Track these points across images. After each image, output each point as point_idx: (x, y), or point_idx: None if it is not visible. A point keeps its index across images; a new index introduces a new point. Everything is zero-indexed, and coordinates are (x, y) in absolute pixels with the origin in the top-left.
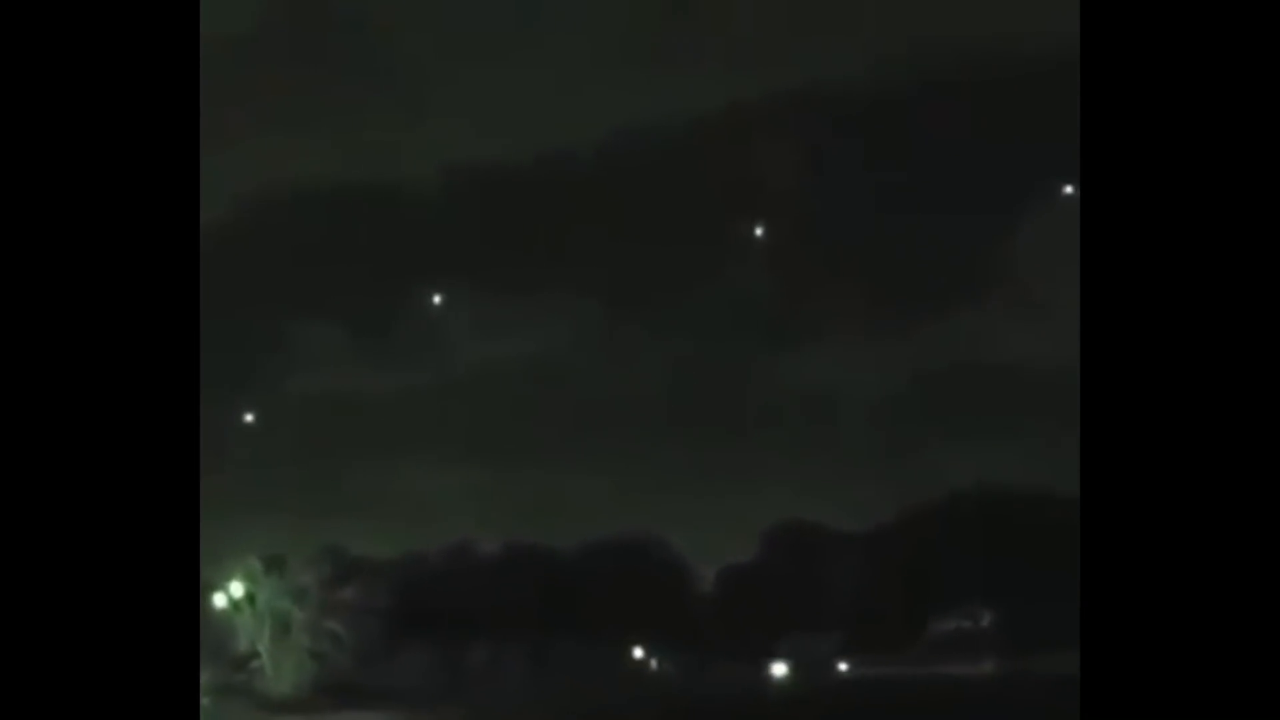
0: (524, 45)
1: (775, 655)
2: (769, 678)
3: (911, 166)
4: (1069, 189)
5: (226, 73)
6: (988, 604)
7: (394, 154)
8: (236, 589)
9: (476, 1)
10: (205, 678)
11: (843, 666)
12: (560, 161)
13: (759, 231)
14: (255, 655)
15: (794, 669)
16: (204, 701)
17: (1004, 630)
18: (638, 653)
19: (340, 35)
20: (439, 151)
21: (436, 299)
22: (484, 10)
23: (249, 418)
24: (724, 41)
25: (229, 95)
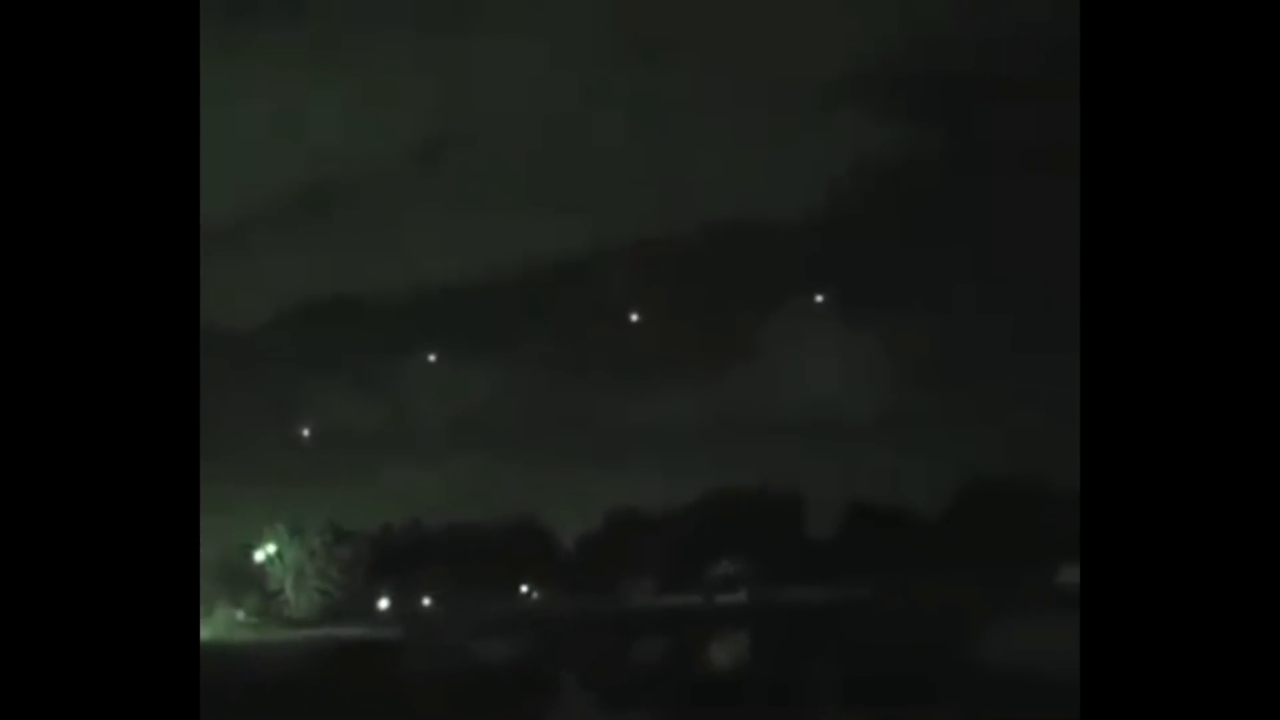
0: (477, 198)
1: (609, 592)
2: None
3: (719, 286)
4: (819, 297)
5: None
6: (744, 557)
7: (375, 272)
8: (270, 548)
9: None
10: (251, 605)
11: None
12: (497, 277)
13: (634, 317)
14: (282, 591)
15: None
16: (250, 620)
17: (753, 574)
18: (525, 589)
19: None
20: (408, 271)
21: (432, 357)
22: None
23: (305, 433)
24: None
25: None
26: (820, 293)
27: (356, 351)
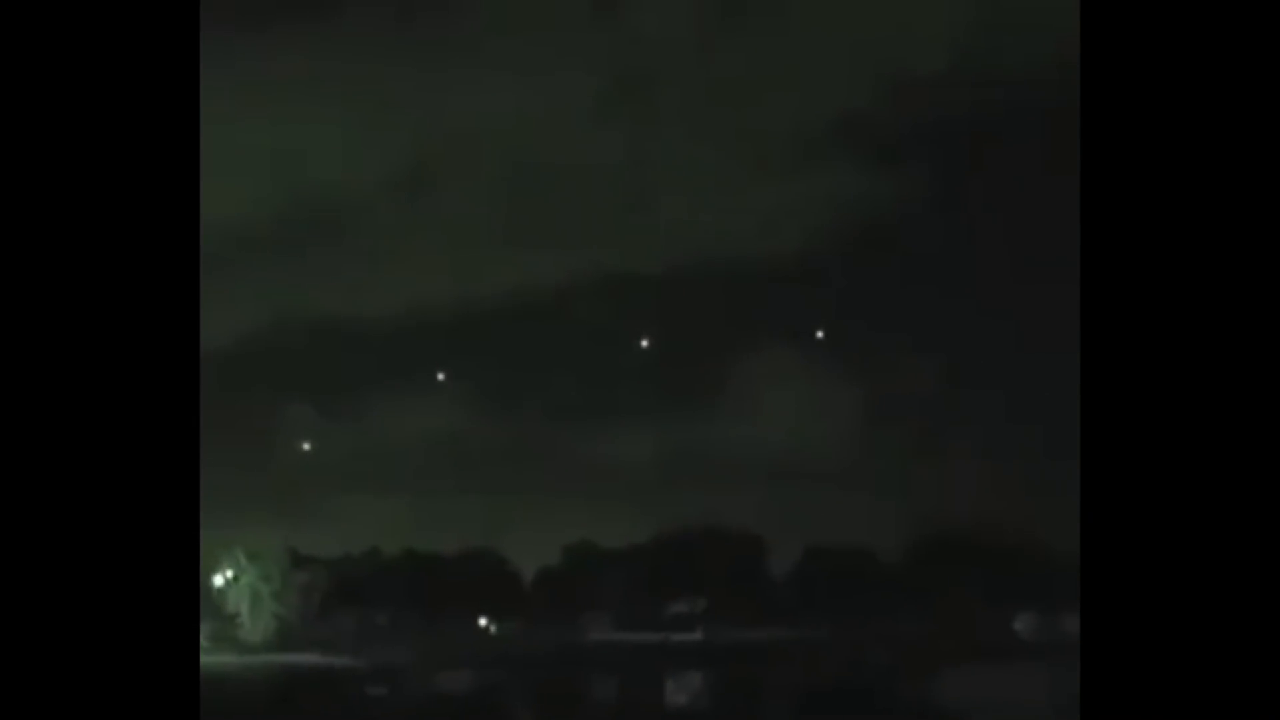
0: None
1: (566, 626)
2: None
3: (692, 323)
4: (820, 333)
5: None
6: (702, 595)
7: (361, 295)
8: (228, 572)
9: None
10: (206, 630)
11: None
12: (464, 308)
13: (604, 352)
14: (238, 615)
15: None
16: (205, 644)
17: (710, 612)
18: (482, 621)
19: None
20: (393, 296)
21: (440, 376)
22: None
23: (306, 446)
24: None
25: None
26: (796, 333)
27: (327, 377)
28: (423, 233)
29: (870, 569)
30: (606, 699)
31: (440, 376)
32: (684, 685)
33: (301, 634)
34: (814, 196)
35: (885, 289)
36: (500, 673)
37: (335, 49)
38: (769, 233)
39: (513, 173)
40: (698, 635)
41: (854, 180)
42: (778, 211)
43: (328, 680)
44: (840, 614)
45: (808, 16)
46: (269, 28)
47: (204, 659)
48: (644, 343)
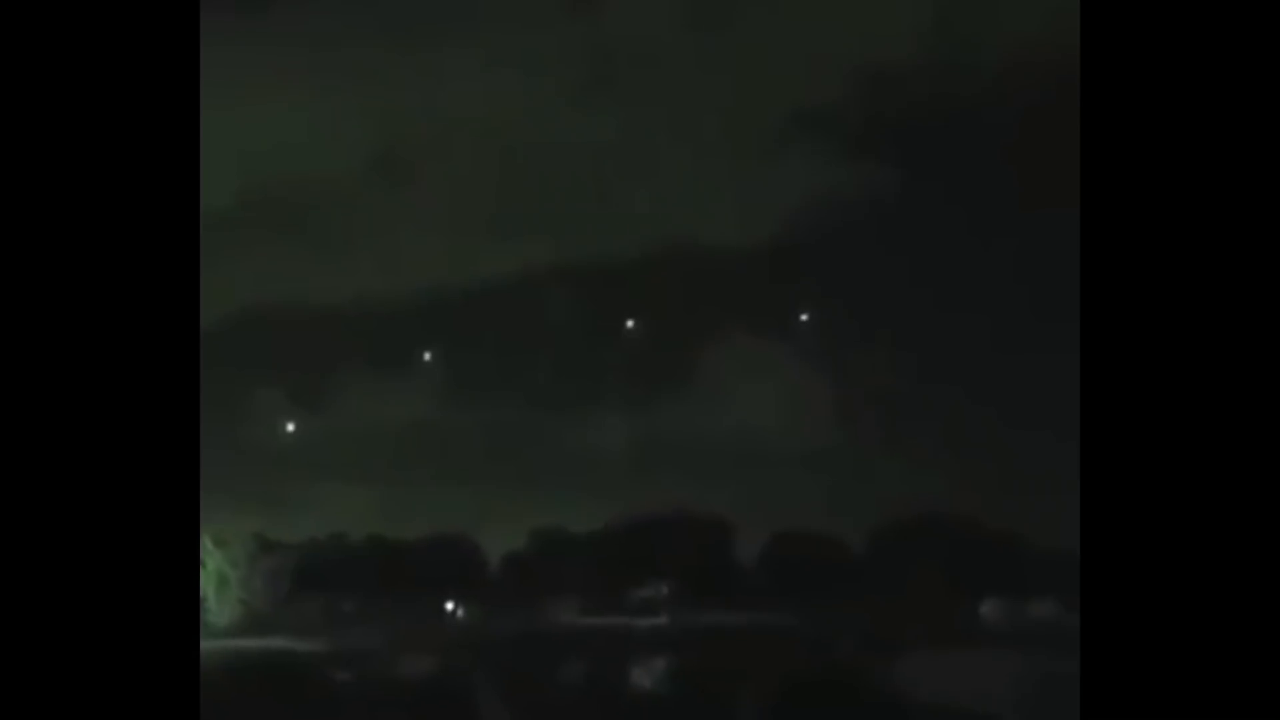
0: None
1: (533, 610)
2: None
3: (663, 310)
4: (805, 316)
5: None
6: (666, 581)
7: (335, 282)
8: None
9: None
10: None
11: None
12: (436, 296)
13: (575, 339)
14: (205, 599)
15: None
16: None
17: (676, 597)
18: (449, 606)
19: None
20: (356, 284)
21: (428, 356)
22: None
23: (290, 427)
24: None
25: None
26: (769, 322)
27: (300, 364)
28: (397, 219)
29: (838, 555)
30: (572, 682)
31: (427, 356)
32: (649, 670)
33: (268, 619)
34: (789, 185)
35: (858, 279)
36: (466, 657)
37: (309, 36)
38: (744, 221)
39: (488, 160)
40: (663, 620)
41: (829, 170)
42: (753, 200)
43: (294, 665)
44: (807, 599)
45: (785, 6)
46: (255, 16)
47: None
48: (630, 323)
